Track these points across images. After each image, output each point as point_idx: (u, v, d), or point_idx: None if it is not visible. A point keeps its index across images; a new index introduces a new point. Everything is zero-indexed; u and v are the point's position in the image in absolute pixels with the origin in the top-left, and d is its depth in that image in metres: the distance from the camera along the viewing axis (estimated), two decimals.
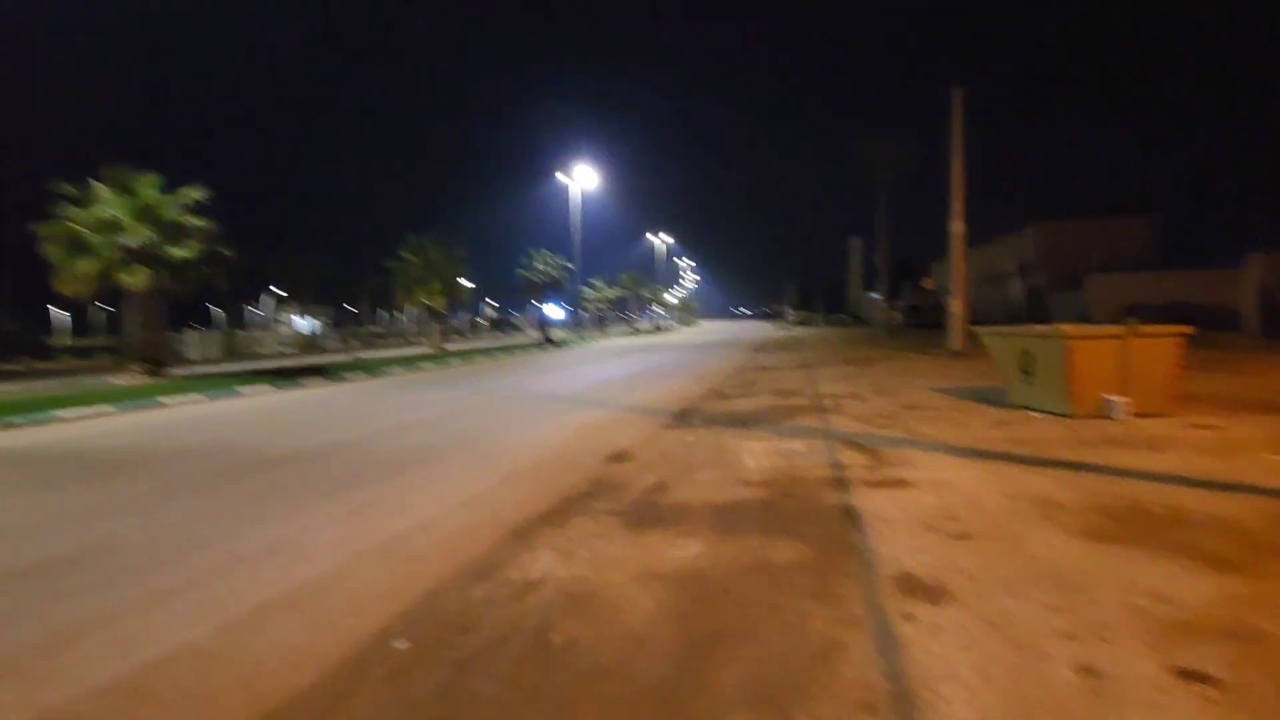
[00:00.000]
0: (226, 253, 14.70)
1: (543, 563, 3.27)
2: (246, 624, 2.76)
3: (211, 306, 36.46)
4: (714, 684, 2.13)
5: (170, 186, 14.25)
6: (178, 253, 13.83)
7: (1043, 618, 2.47)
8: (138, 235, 13.30)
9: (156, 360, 14.82)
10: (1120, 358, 6.57)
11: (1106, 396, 6.56)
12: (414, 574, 3.21)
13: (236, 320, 41.74)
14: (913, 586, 2.79)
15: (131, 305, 14.55)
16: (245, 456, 6.50)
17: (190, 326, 31.33)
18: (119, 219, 13.38)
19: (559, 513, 4.12)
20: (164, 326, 15.82)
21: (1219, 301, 21.90)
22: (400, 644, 2.50)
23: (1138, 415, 6.48)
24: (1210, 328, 19.45)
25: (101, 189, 13.58)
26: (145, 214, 13.68)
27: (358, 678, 2.27)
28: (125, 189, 13.77)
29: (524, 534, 3.73)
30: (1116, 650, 2.22)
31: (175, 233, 13.99)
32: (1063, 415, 6.69)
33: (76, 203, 13.38)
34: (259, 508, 4.60)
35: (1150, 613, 2.47)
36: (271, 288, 44.57)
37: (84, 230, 13.17)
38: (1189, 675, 2.06)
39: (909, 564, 3.04)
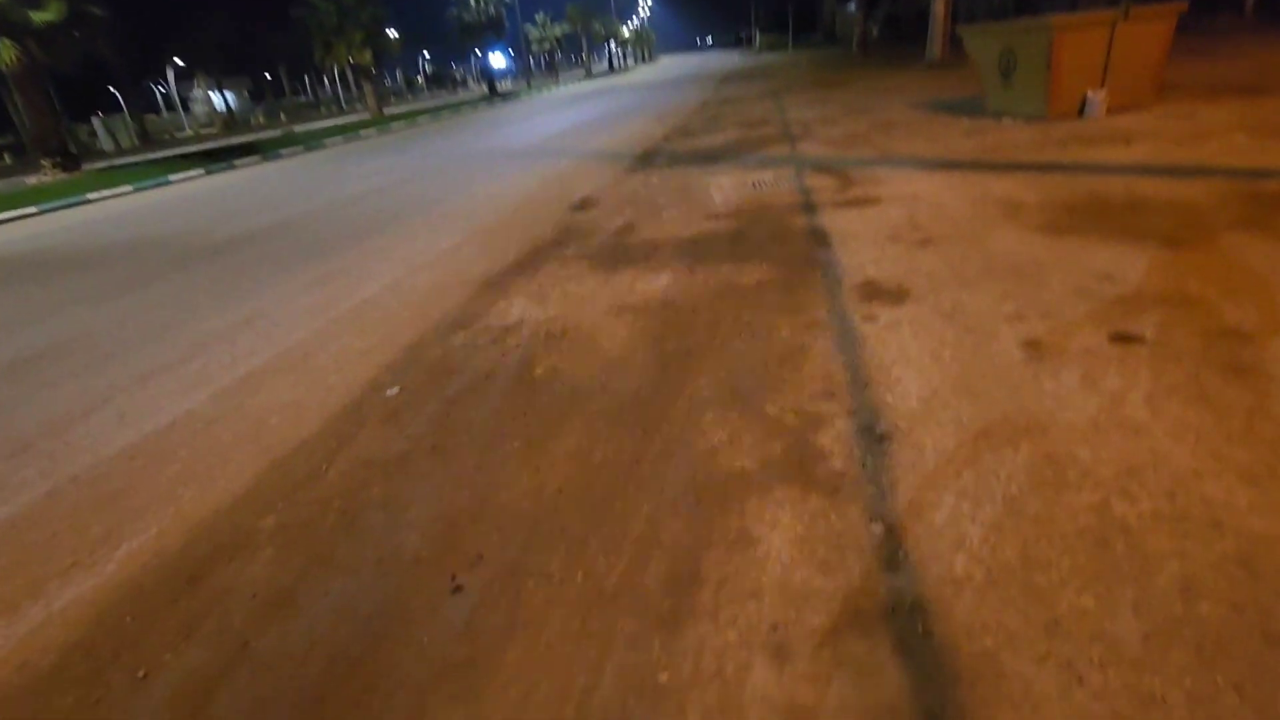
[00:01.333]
0: (96, 11, 12.50)
1: (517, 308, 3.33)
2: (240, 390, 2.86)
3: (112, 89, 32.07)
4: (688, 390, 2.30)
5: None
6: (38, 16, 11.72)
7: (995, 305, 2.61)
8: None
9: (66, 153, 13.45)
10: (1106, 47, 6.14)
11: (1087, 93, 6.27)
12: (392, 332, 3.27)
13: (145, 103, 37.18)
14: (875, 292, 2.91)
15: (14, 91, 12.74)
16: (194, 242, 6.23)
17: (95, 115, 27.97)
18: None
19: (528, 263, 4.10)
20: (59, 113, 14.04)
21: None
22: (391, 391, 2.63)
23: (1118, 108, 6.27)
24: (1212, 9, 17.96)
25: None
26: None
27: (357, 423, 2.42)
28: None
29: (495, 285, 3.75)
30: (1059, 326, 2.39)
31: None
32: (1039, 118, 6.45)
33: None
34: (223, 288, 4.52)
35: (1095, 292, 2.62)
36: (176, 59, 38.91)
37: None
38: (1120, 338, 2.25)
39: (872, 273, 3.13)
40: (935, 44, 15.06)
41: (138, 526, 1.99)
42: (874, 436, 1.89)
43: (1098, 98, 6.22)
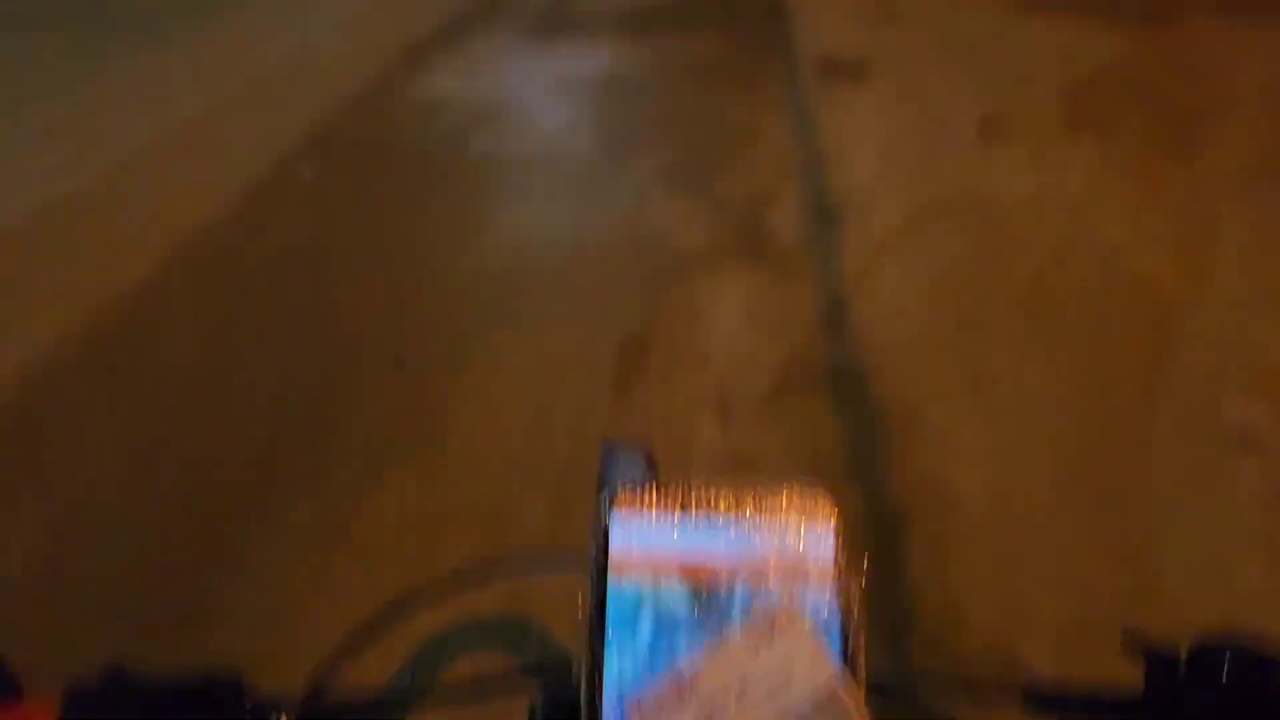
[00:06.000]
0: None
1: (443, 84, 2.97)
2: (133, 169, 2.53)
3: None
4: (635, 169, 2.16)
5: None
6: None
7: (957, 85, 2.48)
8: None
9: None
10: None
11: None
12: (298, 109, 2.87)
13: None
14: (834, 69, 2.70)
15: None
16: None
17: None
18: None
19: (452, 32, 3.59)
20: None
21: None
22: (306, 172, 2.37)
23: None
24: None
25: None
26: None
27: (271, 205, 2.21)
28: None
29: (416, 57, 3.30)
30: (1021, 102, 2.31)
31: None
32: None
33: None
34: (79, 61, 3.83)
35: (1060, 69, 2.51)
36: None
37: None
38: (1077, 122, 2.20)
39: (833, 48, 2.89)
40: None
41: (49, 313, 1.83)
42: (824, 214, 1.86)
43: None
